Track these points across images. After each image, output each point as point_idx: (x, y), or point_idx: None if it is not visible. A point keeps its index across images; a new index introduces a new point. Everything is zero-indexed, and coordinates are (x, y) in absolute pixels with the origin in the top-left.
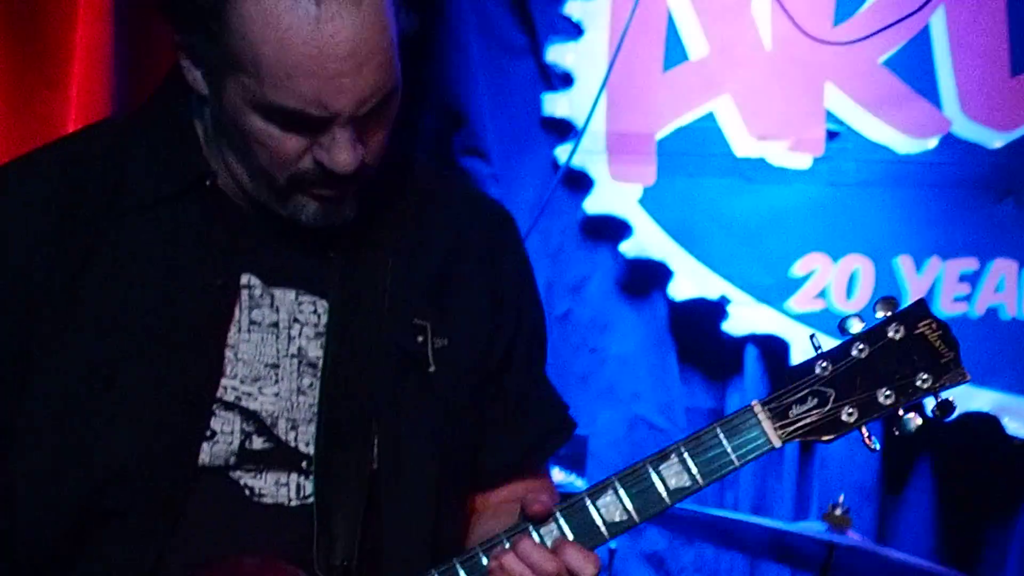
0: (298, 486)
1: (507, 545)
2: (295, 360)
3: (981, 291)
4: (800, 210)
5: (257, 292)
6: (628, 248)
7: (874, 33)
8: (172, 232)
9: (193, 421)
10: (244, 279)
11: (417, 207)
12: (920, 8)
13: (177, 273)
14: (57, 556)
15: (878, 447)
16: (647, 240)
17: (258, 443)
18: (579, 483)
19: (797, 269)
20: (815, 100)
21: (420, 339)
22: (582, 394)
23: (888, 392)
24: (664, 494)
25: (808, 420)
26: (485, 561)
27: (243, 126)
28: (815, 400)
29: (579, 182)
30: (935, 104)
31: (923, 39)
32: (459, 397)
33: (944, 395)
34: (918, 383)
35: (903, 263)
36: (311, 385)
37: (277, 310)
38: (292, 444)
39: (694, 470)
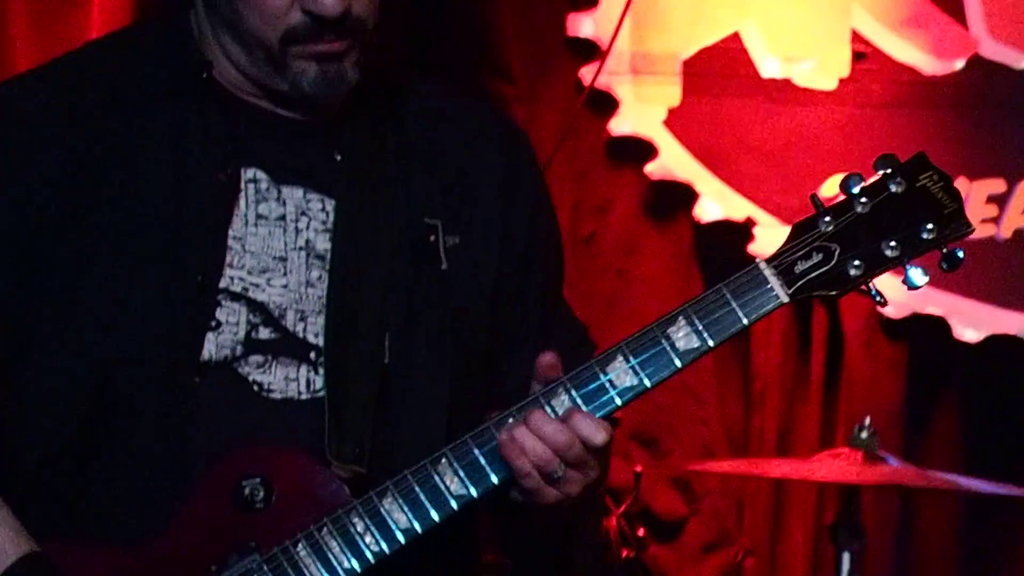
0: (308, 380)
1: (510, 421)
2: (303, 252)
3: (1008, 212)
4: (826, 132)
5: (264, 186)
6: (653, 170)
7: None
8: (174, 128)
9: (198, 312)
10: (250, 173)
11: (430, 123)
12: None
13: (180, 168)
14: (68, 457)
15: (887, 306)
16: (672, 162)
17: (265, 334)
18: None
19: (823, 191)
20: (841, 21)
21: (432, 237)
22: (608, 317)
23: (893, 244)
24: (674, 357)
25: (814, 275)
26: (476, 451)
27: None
28: (820, 256)
29: (604, 103)
30: (962, 25)
31: None
32: (472, 298)
33: (950, 248)
34: (923, 235)
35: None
36: (320, 278)
37: (284, 204)
38: (301, 335)
39: (703, 331)
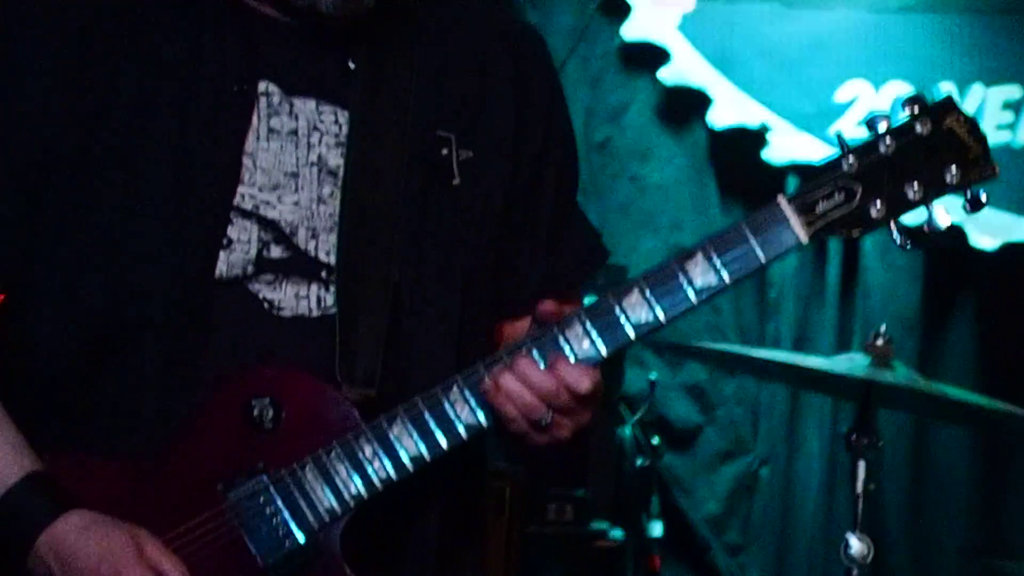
0: (318, 298)
1: (524, 351)
2: (315, 168)
3: None
4: (841, 36)
5: (276, 100)
6: (667, 75)
7: None
8: (189, 38)
9: (209, 228)
10: (262, 86)
11: (444, 32)
12: None
13: (194, 79)
14: (77, 375)
15: (908, 246)
16: (686, 67)
17: (276, 252)
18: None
19: (839, 96)
20: None
21: (444, 151)
22: (622, 223)
23: (917, 186)
24: (691, 293)
25: (836, 215)
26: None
27: None
28: (842, 195)
29: (617, 8)
30: None
31: None
32: (484, 212)
33: (974, 191)
34: (947, 178)
35: (945, 90)
36: (331, 194)
37: (296, 118)
38: (312, 253)
39: (720, 268)
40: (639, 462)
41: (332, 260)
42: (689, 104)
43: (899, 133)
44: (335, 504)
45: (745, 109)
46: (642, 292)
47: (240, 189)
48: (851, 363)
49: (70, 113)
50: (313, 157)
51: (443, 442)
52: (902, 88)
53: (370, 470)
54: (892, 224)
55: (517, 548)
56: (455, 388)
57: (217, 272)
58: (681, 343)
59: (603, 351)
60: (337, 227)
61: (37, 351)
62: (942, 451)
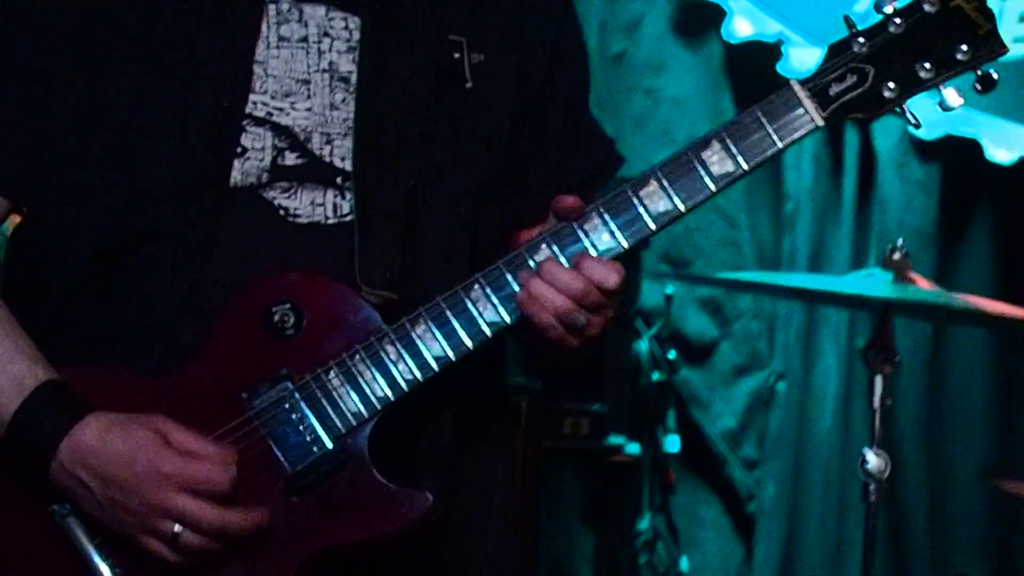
0: (334, 205)
1: (547, 248)
2: (327, 75)
3: None
4: None
5: (285, 7)
6: None
7: None
8: None
9: (223, 138)
10: None
11: None
12: None
13: None
14: (94, 288)
15: (920, 127)
16: None
17: (291, 159)
18: None
19: (857, 8)
20: None
21: (456, 55)
22: (637, 137)
23: (928, 66)
24: (708, 181)
25: (848, 97)
26: (509, 277)
27: None
28: (854, 77)
29: None
30: None
31: None
32: (498, 116)
33: (984, 70)
34: (958, 56)
35: None
36: (344, 100)
37: (306, 25)
38: (327, 159)
39: (737, 154)
40: (655, 377)
41: (347, 166)
42: (705, 17)
43: (907, 13)
44: (362, 407)
45: (761, 22)
46: (659, 182)
47: (252, 97)
48: (869, 279)
49: (77, 23)
50: (324, 64)
51: (467, 341)
52: None
53: (395, 372)
54: (904, 105)
55: (533, 463)
56: (476, 287)
57: (232, 180)
58: (699, 273)
59: (624, 244)
60: (352, 133)
61: (51, 264)
62: (958, 366)
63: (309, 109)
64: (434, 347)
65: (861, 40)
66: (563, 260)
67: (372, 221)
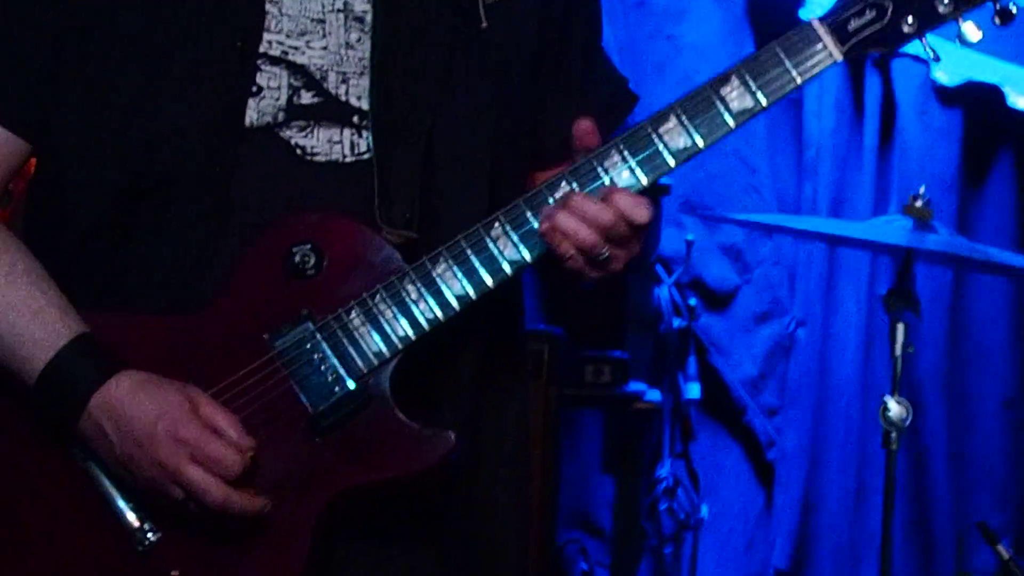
0: (352, 143)
1: (566, 186)
2: (341, 15)
3: None
4: None
5: None
6: None
7: None
8: None
9: (238, 77)
10: None
11: None
12: None
13: None
14: (112, 230)
15: (940, 59)
16: None
17: (307, 97)
18: None
19: None
20: None
21: None
22: (658, 84)
23: (946, 0)
24: (727, 117)
25: (868, 32)
26: (529, 215)
27: None
28: (873, 12)
29: None
30: None
31: None
32: (513, 56)
33: (1004, 4)
34: None
35: None
36: (359, 40)
37: None
38: (343, 98)
39: (756, 91)
40: (676, 323)
41: (364, 105)
42: None
43: None
44: (383, 347)
45: None
46: (679, 118)
47: (267, 36)
48: (890, 226)
49: None
50: (339, 3)
51: (488, 279)
52: None
53: (416, 311)
54: (923, 39)
55: (555, 410)
56: (497, 225)
57: (247, 120)
58: (718, 213)
59: (644, 180)
60: (368, 72)
61: (70, 207)
62: (979, 313)
63: (324, 48)
64: (455, 286)
65: None
66: (595, 196)
67: (391, 160)
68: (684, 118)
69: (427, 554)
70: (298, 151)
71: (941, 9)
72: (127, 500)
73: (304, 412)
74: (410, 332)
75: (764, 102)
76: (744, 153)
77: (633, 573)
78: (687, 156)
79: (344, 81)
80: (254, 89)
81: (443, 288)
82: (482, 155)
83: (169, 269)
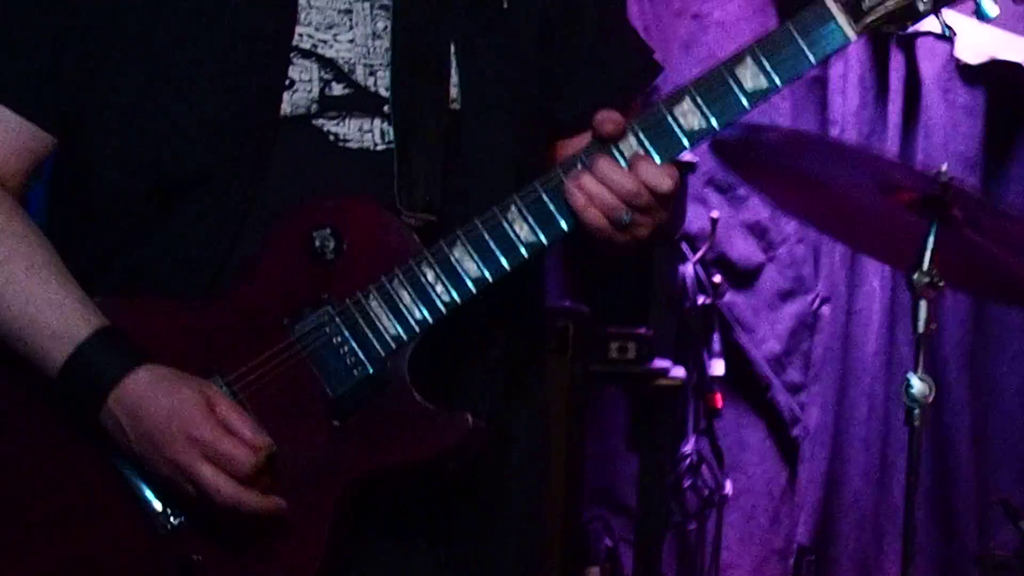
0: (382, 131)
1: (579, 167)
2: (367, 4)
3: None
4: None
5: None
6: None
7: None
8: None
9: (271, 70)
10: None
11: None
12: None
13: None
14: (145, 220)
15: (955, 35)
16: None
17: (338, 89)
18: None
19: None
20: None
21: None
22: (684, 61)
23: None
24: (742, 97)
25: (882, 10)
26: (545, 197)
27: None
28: None
29: None
30: None
31: None
32: (535, 33)
33: None
34: None
35: None
36: (385, 28)
37: None
38: (372, 89)
39: (770, 70)
40: (700, 300)
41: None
42: None
43: None
44: (401, 331)
45: None
46: (693, 99)
47: (297, 29)
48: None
49: None
50: None
51: (504, 262)
52: None
53: (433, 294)
54: (939, 15)
55: (580, 386)
56: (513, 207)
57: (282, 112)
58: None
59: (657, 161)
60: (390, 57)
61: (102, 200)
62: (1004, 292)
63: (351, 41)
64: (471, 269)
65: None
66: (622, 162)
67: (411, 144)
68: (699, 99)
69: (443, 526)
70: (331, 138)
71: None
72: (150, 484)
73: (323, 396)
74: (427, 315)
75: (778, 82)
76: None
77: (657, 549)
78: (701, 137)
79: (372, 73)
80: (287, 82)
81: (459, 271)
82: (508, 137)
83: (203, 259)
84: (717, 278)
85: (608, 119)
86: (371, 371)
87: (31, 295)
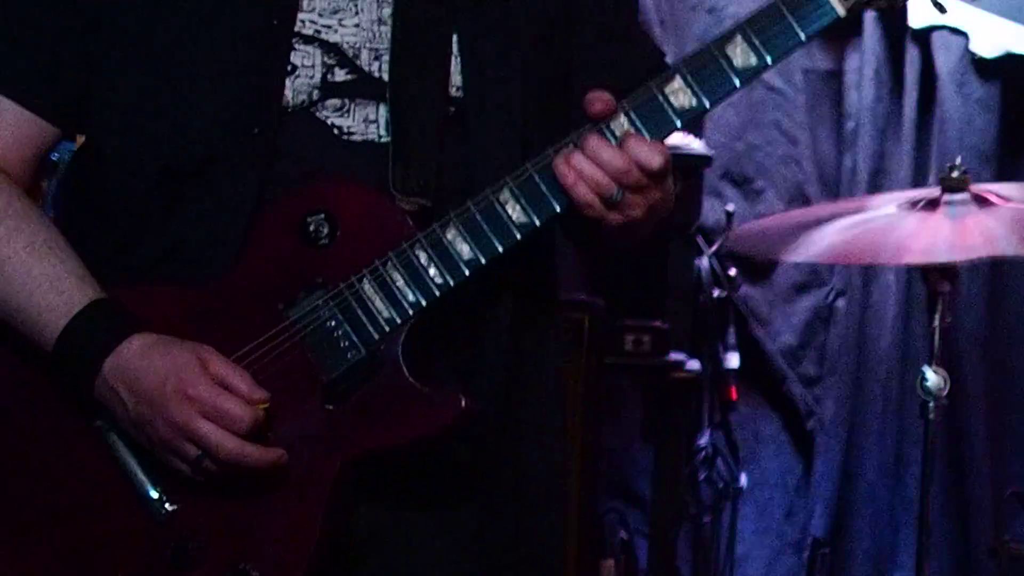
0: (386, 121)
1: (572, 146)
2: None
3: None
4: None
5: None
6: None
7: None
8: None
9: (274, 56)
10: None
11: None
12: None
13: None
14: (150, 209)
15: (946, 11)
16: None
17: (340, 75)
18: (695, 144)
19: None
20: None
21: None
22: None
23: None
24: (732, 75)
25: None
26: (537, 179)
27: None
28: None
29: None
30: None
31: None
32: (541, 27)
33: None
34: None
35: None
36: (391, 14)
37: None
38: (376, 74)
39: (759, 47)
40: (716, 293)
41: None
42: None
43: None
44: (394, 314)
45: None
46: (684, 78)
47: (300, 15)
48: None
49: None
50: None
51: (497, 244)
52: None
53: (426, 277)
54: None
55: (595, 379)
56: (505, 189)
57: (284, 99)
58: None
59: (647, 139)
60: (390, 41)
61: (109, 187)
62: (1018, 285)
63: (357, 25)
64: (464, 251)
65: None
66: (612, 141)
67: (408, 128)
68: (690, 78)
69: (460, 517)
70: (335, 131)
71: None
72: (146, 471)
73: (317, 380)
74: (420, 298)
75: (768, 59)
76: (784, 125)
77: (672, 542)
78: (692, 116)
79: (376, 58)
80: (289, 68)
81: (452, 253)
82: (508, 128)
83: (209, 249)
84: (732, 271)
85: (598, 98)
86: (364, 354)
87: (30, 272)
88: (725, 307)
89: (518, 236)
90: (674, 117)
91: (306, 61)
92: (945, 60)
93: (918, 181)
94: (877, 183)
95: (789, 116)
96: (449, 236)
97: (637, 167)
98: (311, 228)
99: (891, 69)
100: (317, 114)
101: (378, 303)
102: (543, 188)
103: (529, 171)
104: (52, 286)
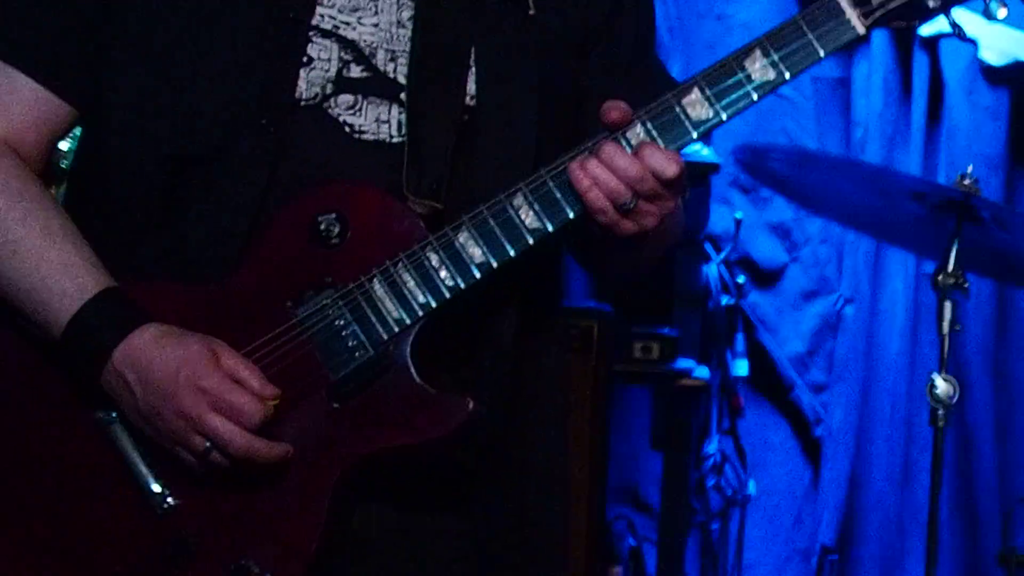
0: (399, 122)
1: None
2: None
3: None
4: None
5: None
6: None
7: None
8: None
9: (289, 47)
10: None
11: None
12: None
13: None
14: (158, 201)
15: (966, 36)
16: None
17: (355, 71)
18: (705, 151)
19: None
20: None
21: None
22: (708, 62)
23: None
24: (750, 89)
25: (892, 5)
26: (552, 185)
27: None
28: None
29: None
30: None
31: None
32: (560, 44)
33: None
34: None
35: None
36: (411, 18)
37: None
38: (391, 75)
39: (779, 63)
40: (724, 300)
41: None
42: None
43: None
44: (404, 315)
45: None
46: (702, 91)
47: (319, 10)
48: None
49: None
50: None
51: (509, 249)
52: None
53: (437, 279)
54: (948, 14)
55: (604, 386)
56: (519, 195)
57: (298, 91)
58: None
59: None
60: (410, 47)
61: (116, 178)
62: None
63: (376, 25)
64: (476, 255)
65: None
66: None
67: (423, 132)
68: (708, 91)
69: (461, 522)
70: (346, 128)
71: None
72: (148, 464)
73: (324, 379)
74: (431, 300)
75: (787, 75)
76: (793, 132)
77: (681, 549)
78: (708, 128)
79: (393, 59)
80: (304, 60)
81: (464, 256)
82: (526, 137)
83: (216, 244)
84: (741, 278)
85: (614, 107)
86: (372, 354)
87: (43, 258)
88: (733, 314)
89: (531, 241)
90: (691, 128)
91: (323, 54)
92: (954, 67)
93: None
94: None
95: (798, 123)
96: (461, 239)
97: (652, 175)
98: (322, 227)
99: (900, 76)
100: (329, 110)
101: (388, 303)
102: (557, 194)
103: (544, 177)
104: (66, 271)
